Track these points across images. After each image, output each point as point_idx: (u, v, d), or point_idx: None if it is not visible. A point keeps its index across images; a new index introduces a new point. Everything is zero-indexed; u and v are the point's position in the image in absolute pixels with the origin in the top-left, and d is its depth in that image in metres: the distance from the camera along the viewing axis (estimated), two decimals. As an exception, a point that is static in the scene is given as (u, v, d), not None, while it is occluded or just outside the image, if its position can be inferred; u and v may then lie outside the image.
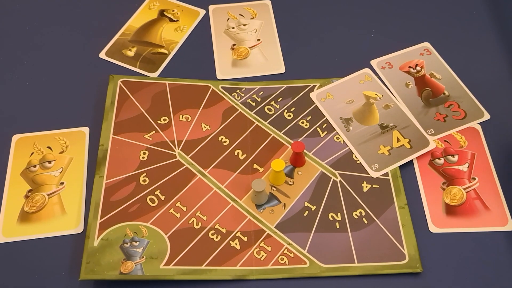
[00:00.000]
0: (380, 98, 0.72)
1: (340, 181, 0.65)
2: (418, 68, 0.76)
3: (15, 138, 0.68)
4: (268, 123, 0.70)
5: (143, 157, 0.66)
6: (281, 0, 0.84)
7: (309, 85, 0.74)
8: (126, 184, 0.64)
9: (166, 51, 0.77)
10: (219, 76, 0.75)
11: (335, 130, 0.70)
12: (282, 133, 0.69)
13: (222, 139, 0.68)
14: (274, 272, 0.59)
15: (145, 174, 0.65)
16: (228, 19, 0.81)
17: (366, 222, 0.62)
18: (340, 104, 0.72)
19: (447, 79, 0.74)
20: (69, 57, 0.76)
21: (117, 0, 0.83)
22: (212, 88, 0.73)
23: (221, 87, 0.73)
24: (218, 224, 0.62)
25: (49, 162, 0.66)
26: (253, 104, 0.72)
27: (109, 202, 0.63)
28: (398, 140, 0.68)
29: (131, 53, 0.77)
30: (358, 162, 0.67)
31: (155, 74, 0.74)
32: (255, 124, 0.70)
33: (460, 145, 0.69)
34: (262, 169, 0.66)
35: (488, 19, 0.82)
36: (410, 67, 0.76)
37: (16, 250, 0.60)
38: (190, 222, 0.62)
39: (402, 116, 0.71)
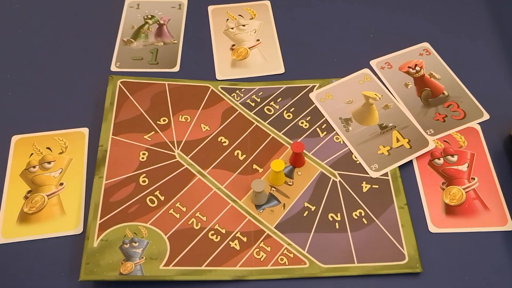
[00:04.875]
0: (379, 98, 0.72)
1: (339, 181, 0.65)
2: (417, 68, 0.76)
3: (15, 138, 0.68)
4: (267, 123, 0.70)
5: (142, 158, 0.66)
6: (280, 1, 0.84)
7: (309, 86, 0.74)
8: (126, 185, 0.64)
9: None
10: (218, 77, 0.75)
11: (334, 130, 0.70)
12: (282, 134, 0.69)
13: (221, 139, 0.68)
14: (273, 273, 0.59)
15: (144, 174, 0.65)
16: (228, 19, 0.81)
17: (365, 222, 0.62)
18: (340, 104, 0.72)
19: (446, 79, 0.74)
20: (69, 57, 0.76)
21: None
22: (212, 89, 0.73)
23: (221, 87, 0.73)
24: (217, 225, 0.62)
25: (49, 163, 0.66)
26: (253, 104, 0.72)
27: (108, 203, 0.63)
28: (398, 140, 0.68)
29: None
30: (357, 162, 0.67)
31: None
32: (254, 125, 0.70)
33: (460, 145, 0.69)
34: (262, 169, 0.66)
35: (487, 19, 0.82)
36: (409, 67, 0.76)
37: (16, 251, 0.60)
38: (189, 222, 0.62)
39: (401, 116, 0.71)
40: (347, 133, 0.69)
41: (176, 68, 0.75)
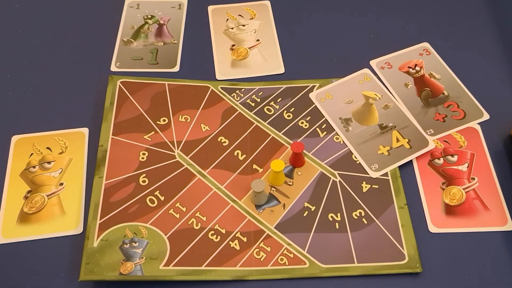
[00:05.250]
0: (379, 98, 0.72)
1: (339, 181, 0.65)
2: (417, 68, 0.76)
3: (15, 138, 0.68)
4: (267, 123, 0.70)
5: (142, 158, 0.66)
6: (280, 1, 0.84)
7: (309, 86, 0.74)
8: (126, 185, 0.64)
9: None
10: (218, 77, 0.75)
11: (334, 130, 0.70)
12: (282, 134, 0.69)
13: (221, 139, 0.68)
14: (273, 273, 0.59)
15: (144, 174, 0.65)
16: (228, 19, 0.81)
17: (365, 222, 0.62)
18: (340, 104, 0.72)
19: (446, 79, 0.74)
20: (69, 57, 0.76)
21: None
22: (212, 89, 0.73)
23: (221, 87, 0.73)
24: (217, 225, 0.62)
25: (49, 163, 0.66)
26: (253, 104, 0.72)
27: (108, 203, 0.63)
28: (398, 140, 0.68)
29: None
30: (357, 162, 0.67)
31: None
32: (254, 125, 0.70)
33: (460, 145, 0.69)
34: (262, 169, 0.66)
35: (487, 19, 0.82)
36: (409, 67, 0.76)
37: (16, 251, 0.60)
38: (189, 222, 0.62)
39: (401, 116, 0.71)
40: (347, 133, 0.69)
41: (176, 68, 0.75)
